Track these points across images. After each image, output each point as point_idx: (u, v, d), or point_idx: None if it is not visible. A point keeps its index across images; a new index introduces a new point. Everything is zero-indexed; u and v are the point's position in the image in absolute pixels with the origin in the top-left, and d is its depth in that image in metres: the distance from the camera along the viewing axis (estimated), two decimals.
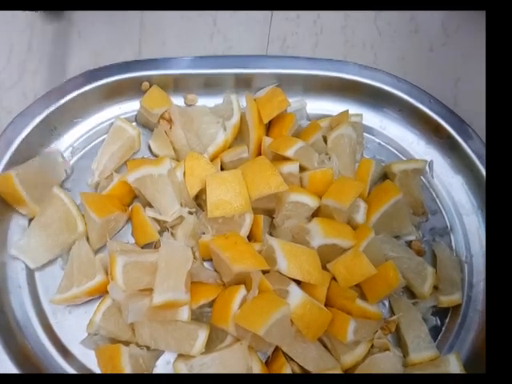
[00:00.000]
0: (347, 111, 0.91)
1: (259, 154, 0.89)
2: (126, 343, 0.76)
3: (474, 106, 0.96)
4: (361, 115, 0.93)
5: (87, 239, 0.82)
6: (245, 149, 0.87)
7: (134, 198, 0.87)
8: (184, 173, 0.83)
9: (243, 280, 0.79)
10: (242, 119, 0.89)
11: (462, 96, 0.99)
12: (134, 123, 0.92)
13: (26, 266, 0.82)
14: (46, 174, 0.85)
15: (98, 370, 0.77)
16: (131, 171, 0.81)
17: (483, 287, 0.86)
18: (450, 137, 0.91)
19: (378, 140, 0.95)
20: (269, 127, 0.91)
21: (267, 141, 0.87)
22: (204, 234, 0.83)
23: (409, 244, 0.88)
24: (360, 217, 0.84)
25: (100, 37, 0.98)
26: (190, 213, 0.82)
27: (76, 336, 0.79)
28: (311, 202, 0.81)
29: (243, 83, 0.93)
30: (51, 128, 0.88)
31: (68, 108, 0.88)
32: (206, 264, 0.84)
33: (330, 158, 0.87)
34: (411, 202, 0.88)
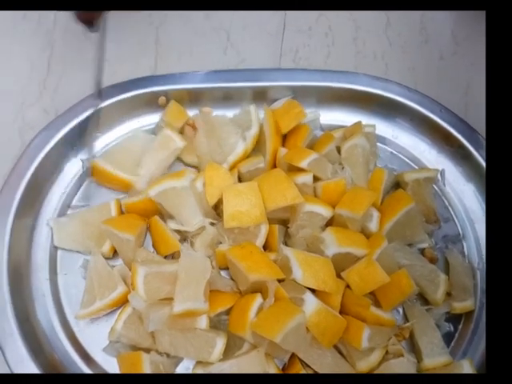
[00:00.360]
0: (360, 122, 0.93)
1: (275, 164, 0.91)
2: (147, 350, 0.78)
3: (484, 114, 0.97)
4: (374, 126, 0.95)
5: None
6: (261, 159, 0.88)
7: (154, 212, 0.88)
8: (204, 183, 0.86)
9: (259, 288, 0.80)
10: (260, 130, 0.91)
11: (472, 104, 1.00)
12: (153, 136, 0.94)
13: (50, 277, 0.85)
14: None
15: None
16: (152, 186, 0.83)
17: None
18: (461, 146, 0.92)
19: (390, 149, 0.96)
20: (284, 138, 0.93)
21: (282, 151, 0.88)
22: (221, 243, 0.85)
23: (422, 251, 0.88)
24: (373, 225, 0.85)
25: (117, 53, 1.00)
26: (212, 223, 0.84)
27: (98, 343, 0.81)
28: (325, 211, 0.83)
29: (259, 95, 0.95)
30: (72, 142, 0.90)
31: (88, 123, 0.90)
32: (222, 273, 0.85)
33: (343, 168, 0.89)
34: (424, 211, 0.89)
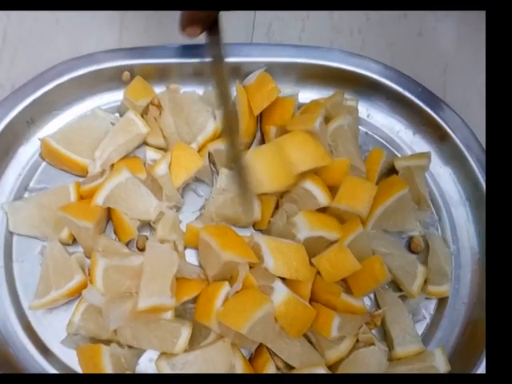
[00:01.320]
0: (341, 92, 0.88)
1: (251, 144, 0.89)
2: (108, 342, 0.74)
3: (463, 94, 0.95)
4: (357, 100, 0.91)
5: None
6: (241, 140, 0.85)
7: None
8: (170, 164, 0.82)
9: (229, 275, 0.78)
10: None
11: (450, 84, 0.97)
12: (116, 114, 0.89)
13: (5, 265, 0.81)
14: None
15: (80, 370, 0.76)
16: (97, 194, 0.78)
17: (470, 280, 0.85)
18: (438, 127, 0.89)
19: (364, 129, 0.93)
20: (264, 115, 0.89)
21: (272, 130, 0.85)
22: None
23: (410, 239, 0.87)
24: (364, 210, 0.81)
25: (79, 24, 0.94)
26: (170, 208, 0.81)
27: (57, 335, 0.77)
28: (322, 198, 0.79)
29: (231, 71, 0.88)
30: (28, 120, 0.85)
31: (46, 99, 0.85)
32: (189, 252, 0.83)
33: (335, 150, 0.85)
34: (415, 198, 0.86)
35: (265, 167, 0.76)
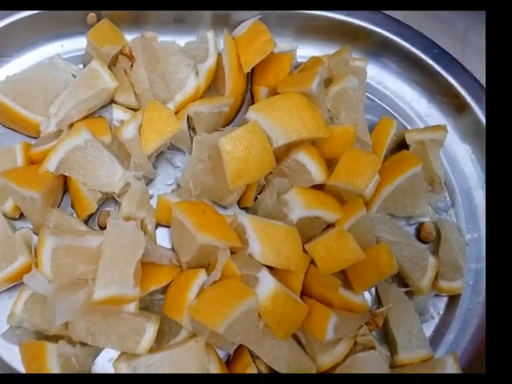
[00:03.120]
0: (348, 47, 0.79)
1: (239, 108, 0.81)
2: (56, 338, 0.65)
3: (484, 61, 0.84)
4: (366, 60, 0.81)
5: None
6: (226, 101, 0.76)
7: None
8: (140, 126, 0.73)
9: (206, 261, 0.69)
10: (219, 63, 0.79)
11: (471, 49, 0.88)
12: (80, 65, 0.79)
13: None
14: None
15: (22, 369, 0.66)
16: (48, 158, 0.68)
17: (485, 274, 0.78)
18: (457, 96, 0.80)
19: (370, 95, 0.84)
20: (256, 72, 0.80)
21: (263, 92, 0.78)
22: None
23: (420, 225, 0.78)
24: (368, 189, 0.73)
25: None
26: (138, 178, 0.72)
27: None
28: (317, 174, 0.71)
29: (219, 20, 0.80)
30: None
31: None
32: (161, 232, 0.75)
33: (336, 117, 0.76)
34: (427, 178, 0.77)
35: (238, 156, 0.66)
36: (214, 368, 0.65)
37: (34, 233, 0.71)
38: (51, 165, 0.68)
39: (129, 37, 0.79)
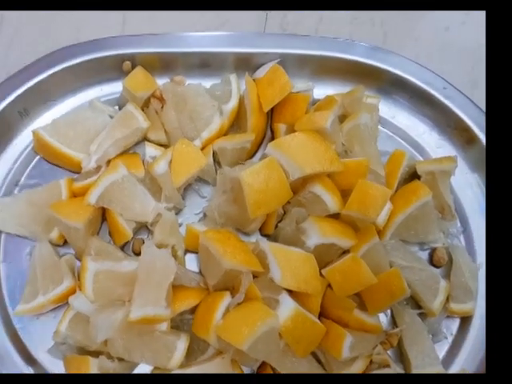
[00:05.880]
0: (362, 87, 0.81)
1: (260, 143, 0.83)
2: (97, 353, 0.69)
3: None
4: (378, 98, 0.84)
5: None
6: (248, 138, 0.79)
7: None
8: (170, 162, 0.76)
9: (231, 284, 0.72)
10: (241, 103, 0.82)
11: (480, 83, 0.90)
12: (116, 107, 0.84)
13: None
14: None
15: None
16: (90, 192, 0.73)
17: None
18: (466, 129, 0.82)
19: (385, 130, 0.87)
20: (275, 111, 0.83)
21: (282, 128, 0.80)
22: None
23: (432, 250, 0.80)
24: (381, 218, 0.75)
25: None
26: (169, 209, 0.76)
27: (44, 343, 0.72)
28: (332, 204, 0.73)
29: (241, 63, 0.84)
30: (21, 111, 0.80)
31: (41, 89, 0.80)
32: (190, 258, 0.78)
33: (351, 151, 0.78)
34: (438, 207, 0.79)
35: (258, 188, 0.69)
36: None
37: (77, 258, 0.75)
38: (92, 198, 0.72)
39: (160, 81, 0.83)
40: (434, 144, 0.86)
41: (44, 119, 0.82)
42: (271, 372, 0.71)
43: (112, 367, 0.69)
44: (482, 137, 0.81)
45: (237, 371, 0.69)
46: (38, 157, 0.81)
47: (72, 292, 0.70)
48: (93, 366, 0.67)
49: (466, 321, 0.77)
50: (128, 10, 0.90)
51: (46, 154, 0.80)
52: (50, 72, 0.79)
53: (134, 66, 0.83)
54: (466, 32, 0.94)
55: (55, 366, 0.72)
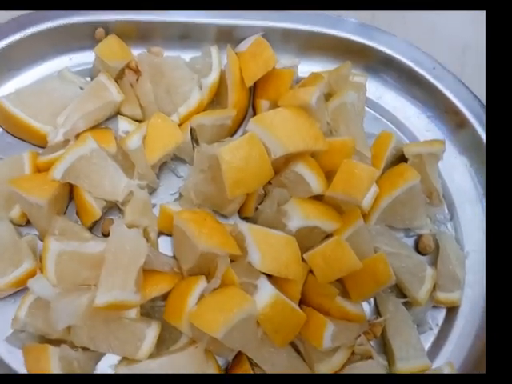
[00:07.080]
0: (349, 64, 0.79)
1: (242, 121, 0.81)
2: (59, 342, 0.65)
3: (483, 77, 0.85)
4: (366, 76, 0.82)
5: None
6: (229, 114, 0.76)
7: None
8: (144, 137, 0.73)
9: (206, 269, 0.69)
10: (222, 77, 0.79)
11: (470, 66, 0.88)
12: (88, 79, 0.80)
13: None
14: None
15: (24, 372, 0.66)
16: (54, 167, 0.68)
17: (485, 287, 0.76)
18: (457, 112, 0.80)
19: (371, 111, 0.84)
20: (258, 87, 0.80)
21: (264, 105, 0.78)
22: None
23: (419, 237, 0.78)
24: (367, 201, 0.72)
25: None
26: (142, 187, 0.72)
27: (2, 331, 0.68)
28: (315, 185, 0.70)
29: (223, 36, 0.81)
30: None
31: (4, 56, 0.76)
32: (163, 240, 0.75)
33: (336, 130, 0.76)
34: (425, 191, 0.77)
35: (237, 166, 0.66)
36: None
37: (40, 239, 0.70)
38: (57, 173, 0.68)
39: (135, 52, 0.80)
40: (423, 127, 0.84)
41: (7, 88, 0.77)
42: (247, 363, 0.67)
43: (75, 357, 0.65)
44: (473, 120, 0.79)
45: (211, 361, 0.66)
46: None
47: (32, 275, 0.66)
48: (53, 356, 0.63)
49: (452, 311, 0.76)
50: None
51: (8, 126, 0.76)
52: (15, 38, 0.75)
53: (107, 35, 0.78)
54: (456, 14, 0.91)
55: (13, 356, 0.68)
